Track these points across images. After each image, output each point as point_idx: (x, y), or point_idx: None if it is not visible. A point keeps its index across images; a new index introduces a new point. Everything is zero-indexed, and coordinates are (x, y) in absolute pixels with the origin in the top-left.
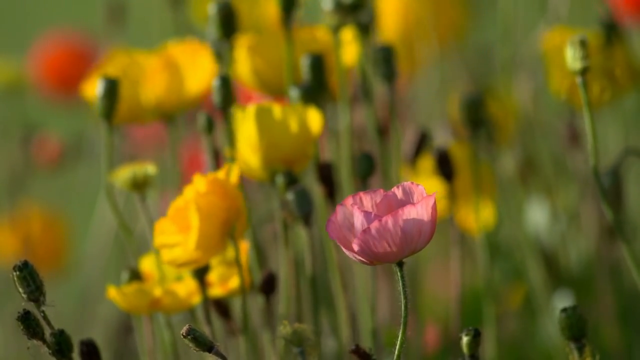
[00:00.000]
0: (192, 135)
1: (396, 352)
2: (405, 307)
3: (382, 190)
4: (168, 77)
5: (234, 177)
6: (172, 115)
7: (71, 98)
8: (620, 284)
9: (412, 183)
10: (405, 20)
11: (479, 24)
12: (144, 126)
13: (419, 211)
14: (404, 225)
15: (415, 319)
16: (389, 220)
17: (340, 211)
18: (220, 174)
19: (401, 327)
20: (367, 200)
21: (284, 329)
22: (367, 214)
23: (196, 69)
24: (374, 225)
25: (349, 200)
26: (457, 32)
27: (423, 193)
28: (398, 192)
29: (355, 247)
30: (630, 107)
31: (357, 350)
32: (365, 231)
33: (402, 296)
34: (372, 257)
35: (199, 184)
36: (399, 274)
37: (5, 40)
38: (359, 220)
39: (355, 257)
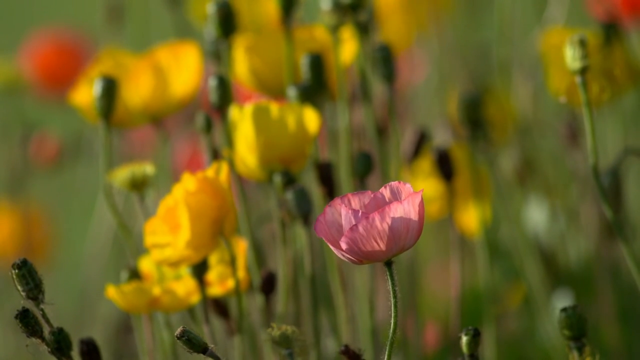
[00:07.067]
0: (191, 135)
1: (387, 352)
2: (395, 306)
3: (370, 192)
4: (153, 79)
5: (223, 176)
6: (159, 118)
7: (65, 97)
8: (620, 283)
9: (400, 182)
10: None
11: (477, 24)
12: (135, 128)
13: (405, 208)
14: (391, 223)
15: (415, 319)
16: (376, 218)
17: (328, 211)
18: (210, 172)
19: (392, 326)
20: (356, 201)
21: (272, 331)
22: (354, 212)
23: (181, 70)
24: (362, 223)
25: (338, 201)
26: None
27: (410, 192)
28: (386, 192)
29: (344, 246)
30: (629, 107)
31: (347, 351)
32: (353, 229)
33: (392, 296)
34: (361, 256)
35: (188, 183)
36: (388, 273)
37: (3, 39)
38: (346, 218)
39: (344, 256)
